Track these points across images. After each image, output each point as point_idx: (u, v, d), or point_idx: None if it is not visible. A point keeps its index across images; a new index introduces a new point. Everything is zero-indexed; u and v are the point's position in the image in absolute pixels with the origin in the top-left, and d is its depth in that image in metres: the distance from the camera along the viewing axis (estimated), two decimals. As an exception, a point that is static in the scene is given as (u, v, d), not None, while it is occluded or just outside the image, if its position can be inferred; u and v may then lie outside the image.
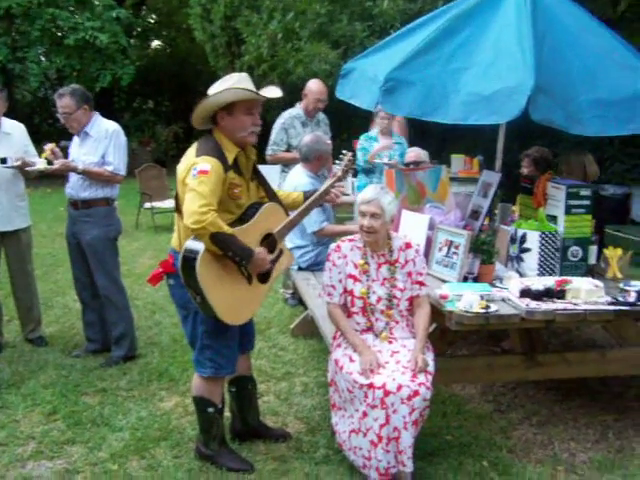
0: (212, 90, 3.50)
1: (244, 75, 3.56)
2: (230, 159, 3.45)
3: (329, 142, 6.23)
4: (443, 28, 4.49)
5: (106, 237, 5.15)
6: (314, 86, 6.53)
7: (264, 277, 3.61)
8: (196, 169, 3.31)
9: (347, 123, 12.00)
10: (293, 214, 3.75)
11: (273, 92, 3.61)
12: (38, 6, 14.78)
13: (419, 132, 9.90)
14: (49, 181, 10.25)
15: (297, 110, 6.65)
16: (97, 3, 16.12)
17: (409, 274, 3.79)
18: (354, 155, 4.18)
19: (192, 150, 3.48)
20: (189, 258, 3.30)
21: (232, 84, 3.45)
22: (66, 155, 5.23)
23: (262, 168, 3.88)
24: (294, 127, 6.53)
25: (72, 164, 5.04)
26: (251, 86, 3.48)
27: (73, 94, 4.99)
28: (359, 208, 3.77)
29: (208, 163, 3.33)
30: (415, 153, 6.63)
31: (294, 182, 5.50)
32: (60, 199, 12.15)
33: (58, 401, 4.56)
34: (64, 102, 4.98)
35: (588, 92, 4.09)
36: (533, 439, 4.15)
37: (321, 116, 6.76)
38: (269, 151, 6.61)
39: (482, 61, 4.20)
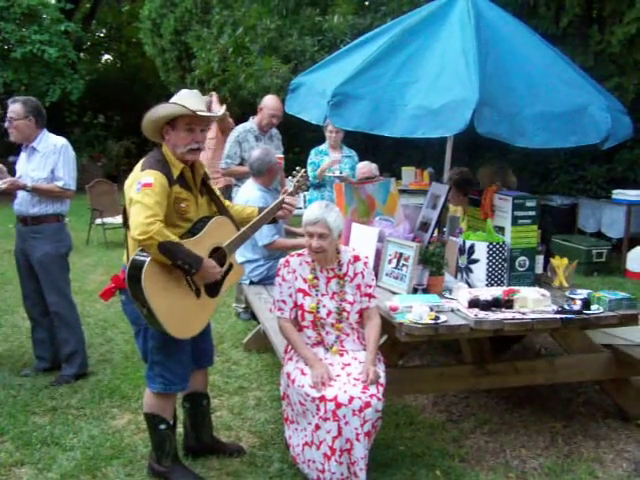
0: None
1: (193, 91, 3.58)
2: (175, 173, 3.46)
3: (281, 156, 6.26)
4: (390, 43, 4.56)
5: (57, 253, 5.08)
6: (270, 102, 6.56)
7: (213, 291, 3.60)
8: (140, 182, 3.32)
9: (299, 137, 12.06)
10: (244, 228, 3.74)
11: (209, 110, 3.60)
12: (-18, 19, 14.58)
13: (370, 145, 10.00)
14: (-4, 198, 10.06)
15: (251, 124, 6.67)
16: (45, 16, 15.92)
17: (358, 287, 3.82)
18: (307, 171, 4.20)
19: (138, 165, 3.50)
20: (135, 270, 3.28)
21: (177, 99, 3.48)
22: (13, 171, 5.16)
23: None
24: (247, 141, 6.55)
25: (20, 182, 4.96)
26: (196, 102, 3.48)
27: (25, 103, 4.95)
28: (305, 229, 3.75)
29: (151, 176, 3.35)
30: (367, 168, 6.68)
31: (245, 196, 5.51)
32: (8, 216, 11.91)
33: (6, 422, 4.46)
34: (14, 107, 4.93)
35: (531, 105, 4.20)
36: (485, 447, 4.20)
37: (274, 131, 6.78)
38: (223, 164, 6.62)
39: (428, 75, 4.28)
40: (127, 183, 3.47)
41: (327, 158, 6.83)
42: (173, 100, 3.50)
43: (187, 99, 3.48)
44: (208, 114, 3.53)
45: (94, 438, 4.26)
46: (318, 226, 3.68)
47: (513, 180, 5.31)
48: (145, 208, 3.24)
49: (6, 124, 5.02)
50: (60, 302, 5.13)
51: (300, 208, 7.50)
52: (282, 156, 6.38)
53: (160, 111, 3.45)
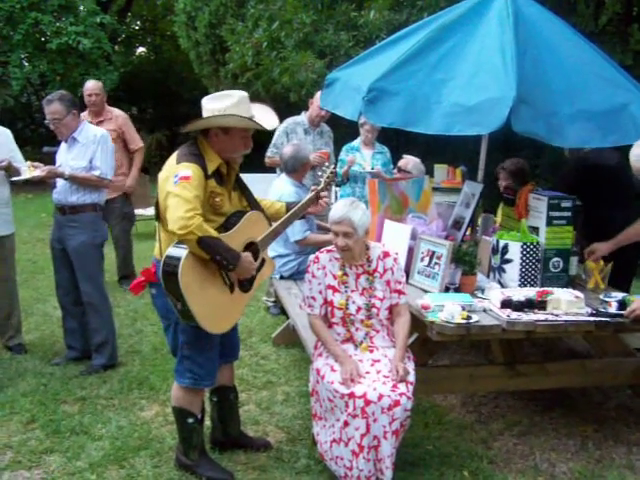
0: (210, 102, 3.47)
1: (244, 96, 3.52)
2: (211, 168, 3.43)
3: (327, 151, 6.29)
4: (427, 39, 4.51)
5: (92, 243, 5.13)
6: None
7: (246, 286, 3.59)
8: (177, 175, 3.28)
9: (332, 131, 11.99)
10: (276, 224, 3.74)
11: (271, 121, 3.63)
12: (21, 10, 14.66)
13: (403, 142, 9.92)
14: (30, 187, 10.16)
15: (302, 117, 6.77)
16: (81, 8, 16.04)
17: (388, 283, 3.80)
18: (336, 167, 4.20)
19: (173, 157, 3.45)
20: (171, 264, 3.27)
21: (231, 104, 3.41)
22: (53, 161, 5.20)
23: (257, 177, 3.88)
24: (295, 132, 6.61)
25: (59, 170, 5.01)
26: (251, 110, 3.49)
27: (62, 99, 4.97)
28: (331, 227, 3.74)
29: (189, 169, 3.31)
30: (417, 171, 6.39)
31: (279, 191, 5.50)
32: (41, 205, 12.09)
33: (37, 409, 4.51)
34: (53, 108, 4.95)
35: (569, 104, 4.13)
36: (514, 449, 4.15)
37: (326, 128, 6.84)
38: (269, 153, 6.70)
39: (465, 72, 4.22)
40: (161, 176, 3.44)
41: (358, 155, 6.81)
42: (224, 103, 3.43)
43: (246, 107, 3.47)
44: (264, 126, 3.52)
45: (122, 429, 4.29)
46: (343, 225, 3.66)
47: None
48: (184, 202, 3.22)
49: (51, 126, 5.06)
50: (93, 292, 5.17)
51: (332, 203, 7.50)
52: (328, 151, 6.41)
53: (230, 122, 3.42)
